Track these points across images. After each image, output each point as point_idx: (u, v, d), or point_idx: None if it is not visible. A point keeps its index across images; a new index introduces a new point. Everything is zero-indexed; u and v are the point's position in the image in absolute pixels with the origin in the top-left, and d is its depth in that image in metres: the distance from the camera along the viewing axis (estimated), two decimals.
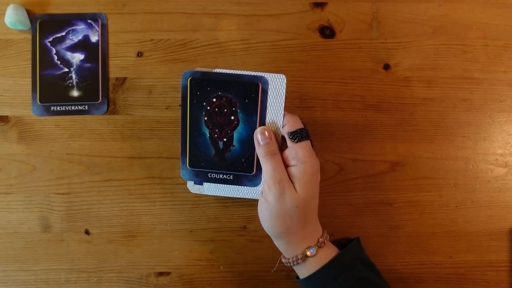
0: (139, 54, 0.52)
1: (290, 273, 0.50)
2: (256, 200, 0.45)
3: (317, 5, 0.53)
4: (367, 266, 0.44)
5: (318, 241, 0.42)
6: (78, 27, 0.52)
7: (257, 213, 0.44)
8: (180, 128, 0.45)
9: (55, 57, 0.51)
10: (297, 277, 0.45)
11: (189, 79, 0.44)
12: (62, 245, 0.50)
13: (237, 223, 0.51)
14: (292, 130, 0.43)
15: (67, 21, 0.52)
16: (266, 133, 0.43)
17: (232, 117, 0.44)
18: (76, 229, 0.50)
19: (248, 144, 0.44)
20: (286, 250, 0.43)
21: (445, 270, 0.51)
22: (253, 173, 0.45)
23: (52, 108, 0.51)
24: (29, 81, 0.51)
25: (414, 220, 0.51)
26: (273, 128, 0.44)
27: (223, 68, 0.44)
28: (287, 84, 0.43)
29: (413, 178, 0.51)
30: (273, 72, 0.43)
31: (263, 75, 0.43)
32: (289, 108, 0.51)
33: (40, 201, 0.50)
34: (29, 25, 0.51)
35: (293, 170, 0.42)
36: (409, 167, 0.51)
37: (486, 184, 0.51)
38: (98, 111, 0.51)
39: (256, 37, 0.52)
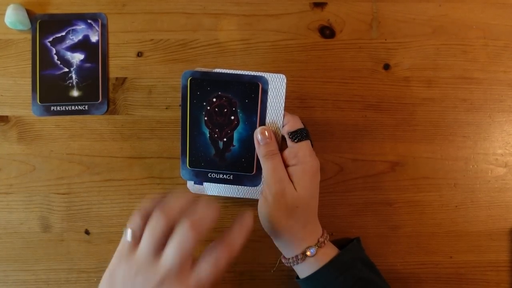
0: (139, 54, 0.52)
1: (290, 273, 0.50)
2: (256, 200, 0.45)
3: (317, 5, 0.53)
4: (367, 266, 0.44)
5: (318, 241, 0.42)
6: (78, 27, 0.52)
7: (257, 213, 0.44)
8: (180, 128, 0.45)
9: (55, 57, 0.51)
10: (297, 277, 0.45)
11: (189, 79, 0.44)
12: (62, 245, 0.50)
13: None
14: (292, 130, 0.43)
15: (67, 21, 0.52)
16: (266, 133, 0.43)
17: (232, 117, 0.44)
18: (76, 229, 0.50)
19: (248, 144, 0.45)
20: (286, 250, 0.43)
21: (445, 270, 0.51)
22: (253, 173, 0.45)
23: (52, 108, 0.51)
24: (29, 81, 0.51)
25: (414, 220, 0.51)
26: (273, 128, 0.44)
27: (223, 68, 0.44)
28: (287, 84, 0.43)
29: (413, 178, 0.51)
30: (273, 72, 0.43)
31: (263, 75, 0.43)
32: (289, 108, 0.51)
33: (40, 201, 0.50)
34: (29, 25, 0.51)
35: (293, 170, 0.42)
36: (409, 167, 0.51)
37: (486, 184, 0.51)
38: (98, 111, 0.51)
39: (256, 37, 0.52)
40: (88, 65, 0.51)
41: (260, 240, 0.50)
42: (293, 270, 0.45)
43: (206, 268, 0.33)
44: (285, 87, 0.43)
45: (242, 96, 0.44)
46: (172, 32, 0.52)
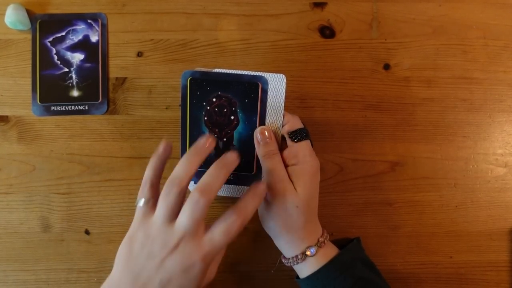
0: (139, 54, 0.52)
1: (290, 273, 0.50)
2: None
3: (317, 5, 0.53)
4: (367, 266, 0.44)
5: (318, 241, 0.42)
6: (78, 27, 0.52)
7: (257, 213, 0.44)
8: (180, 128, 0.45)
9: (55, 57, 0.51)
10: (297, 277, 0.45)
11: (189, 79, 0.44)
12: (62, 245, 0.50)
13: None
14: (292, 129, 0.43)
15: (67, 21, 0.52)
16: (266, 133, 0.43)
17: (232, 117, 0.44)
18: (76, 229, 0.50)
19: (248, 144, 0.44)
20: (286, 249, 0.43)
21: (445, 270, 0.51)
22: (253, 173, 0.45)
23: (52, 108, 0.51)
24: (29, 81, 0.51)
25: (414, 220, 0.51)
26: (273, 128, 0.44)
27: (223, 68, 0.44)
28: (287, 84, 0.43)
29: (413, 178, 0.51)
30: (273, 72, 0.43)
31: (263, 75, 0.43)
32: (289, 108, 0.51)
33: (40, 201, 0.50)
34: (29, 25, 0.51)
35: (293, 169, 0.42)
36: (409, 167, 0.51)
37: (486, 184, 0.51)
38: (98, 111, 0.51)
39: (256, 37, 0.52)
40: (88, 65, 0.51)
41: (260, 240, 0.50)
42: (293, 270, 0.45)
43: (219, 232, 0.35)
44: (285, 87, 0.43)
45: (242, 96, 0.44)
46: (172, 32, 0.52)
